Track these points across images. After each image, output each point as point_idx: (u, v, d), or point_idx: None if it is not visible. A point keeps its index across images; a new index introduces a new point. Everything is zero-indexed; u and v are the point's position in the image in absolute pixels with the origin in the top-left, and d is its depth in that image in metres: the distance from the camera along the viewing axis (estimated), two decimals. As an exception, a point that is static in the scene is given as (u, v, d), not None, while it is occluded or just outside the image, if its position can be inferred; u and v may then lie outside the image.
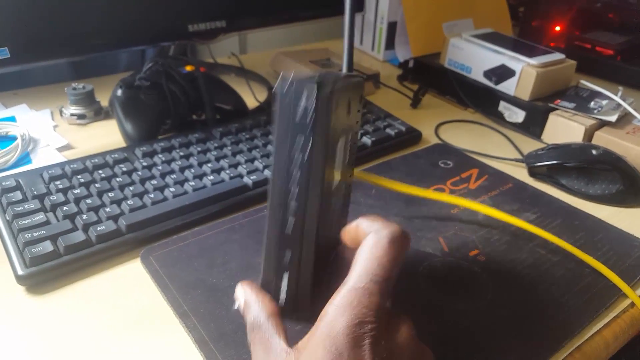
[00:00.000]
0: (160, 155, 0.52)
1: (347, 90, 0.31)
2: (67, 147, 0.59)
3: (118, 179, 0.48)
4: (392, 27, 0.89)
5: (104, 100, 0.66)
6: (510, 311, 0.38)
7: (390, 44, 0.91)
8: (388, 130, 0.62)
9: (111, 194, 0.46)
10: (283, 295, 0.32)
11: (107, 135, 0.61)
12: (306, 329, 0.27)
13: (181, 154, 0.53)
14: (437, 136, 0.65)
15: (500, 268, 0.42)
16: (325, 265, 0.37)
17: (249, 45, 1.03)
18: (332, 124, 0.28)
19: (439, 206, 0.50)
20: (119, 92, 0.57)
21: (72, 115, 0.64)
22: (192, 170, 0.50)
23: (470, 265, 0.42)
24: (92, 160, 0.50)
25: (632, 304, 0.40)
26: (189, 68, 0.61)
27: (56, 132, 0.62)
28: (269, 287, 0.32)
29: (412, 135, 0.63)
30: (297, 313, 0.33)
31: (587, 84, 0.67)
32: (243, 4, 0.64)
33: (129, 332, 0.36)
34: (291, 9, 0.69)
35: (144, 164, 0.51)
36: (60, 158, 0.56)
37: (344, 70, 0.35)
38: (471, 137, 0.65)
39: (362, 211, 0.49)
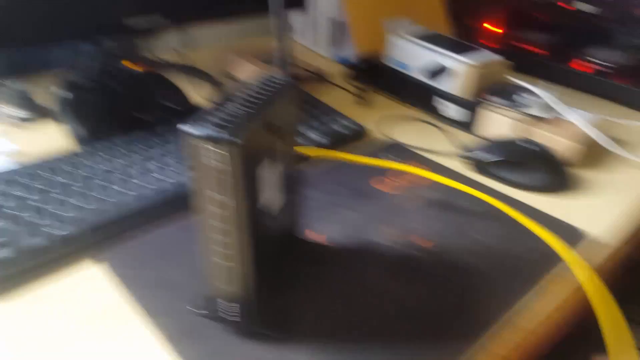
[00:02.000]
0: (105, 156, 0.51)
1: (264, 123, 0.31)
2: (4, 149, 0.56)
3: (67, 182, 0.47)
4: (337, 26, 0.91)
5: (40, 99, 0.64)
6: (452, 292, 0.41)
7: (336, 42, 0.93)
8: (334, 127, 0.64)
9: (61, 198, 0.45)
10: (227, 310, 0.34)
11: (49, 136, 0.59)
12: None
13: (128, 153, 0.52)
14: (381, 132, 0.68)
15: (443, 254, 0.45)
16: (278, 273, 0.38)
17: (193, 40, 1.02)
18: (247, 164, 0.29)
19: (387, 198, 0.52)
20: (60, 91, 0.55)
21: (8, 116, 0.61)
22: (140, 170, 0.50)
23: (416, 252, 0.45)
24: (37, 164, 0.49)
25: (562, 280, 0.44)
26: (132, 66, 0.60)
27: (-9, 133, 0.59)
28: (213, 305, 0.34)
29: (358, 131, 0.65)
30: (256, 326, 0.34)
31: (517, 80, 0.72)
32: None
33: (90, 334, 0.36)
34: (234, 5, 0.69)
35: (90, 165, 0.50)
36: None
37: (282, 74, 0.36)
38: (413, 132, 0.69)
39: (313, 205, 0.50)
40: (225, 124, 0.28)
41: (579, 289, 0.43)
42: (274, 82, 0.35)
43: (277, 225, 0.38)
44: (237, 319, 0.34)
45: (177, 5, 0.63)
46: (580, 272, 0.43)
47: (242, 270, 0.32)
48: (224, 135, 0.27)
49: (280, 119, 0.34)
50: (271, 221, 0.36)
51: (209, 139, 0.27)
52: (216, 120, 0.28)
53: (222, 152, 0.27)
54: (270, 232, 0.36)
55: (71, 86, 0.55)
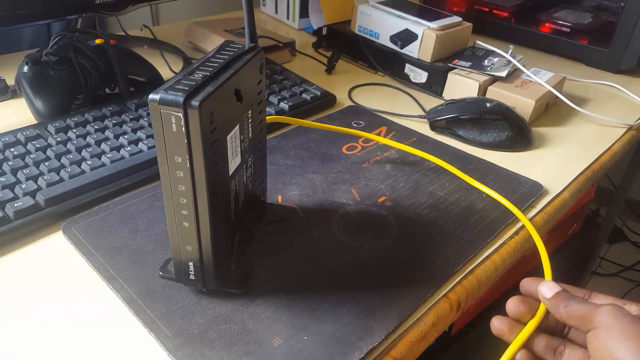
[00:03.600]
0: (74, 130, 0.52)
1: (228, 86, 0.32)
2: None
3: (32, 156, 0.48)
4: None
5: (9, 79, 0.64)
6: (413, 246, 0.43)
7: (304, 12, 0.93)
8: (304, 95, 0.65)
9: (26, 171, 0.46)
10: (192, 270, 0.35)
11: (16, 114, 0.59)
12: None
13: (96, 127, 0.53)
14: (350, 99, 0.69)
15: (404, 210, 0.47)
16: (245, 235, 0.40)
17: (162, 16, 1.01)
18: (207, 127, 0.30)
19: (351, 162, 0.54)
20: (25, 68, 0.55)
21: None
22: (109, 143, 0.51)
23: (378, 209, 0.47)
24: (3, 139, 0.49)
25: (517, 232, 0.46)
26: (98, 41, 0.60)
27: (-42, 114, 0.59)
28: (179, 266, 0.35)
29: (327, 99, 0.66)
30: (216, 284, 0.36)
31: (482, 44, 0.73)
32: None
33: (58, 301, 0.37)
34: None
35: (58, 139, 0.50)
36: (-35, 140, 0.54)
37: (247, 41, 0.37)
38: (381, 98, 0.70)
39: (281, 171, 0.52)
40: (185, 88, 0.29)
41: (529, 240, 0.46)
42: (238, 49, 0.35)
43: (245, 190, 0.39)
44: (197, 278, 0.35)
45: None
46: (529, 226, 0.46)
47: (200, 230, 0.33)
48: (180, 98, 0.28)
49: (246, 84, 0.35)
50: (239, 186, 0.37)
51: (167, 103, 0.28)
52: (178, 86, 0.29)
53: (179, 115, 0.29)
54: (238, 196, 0.37)
55: (34, 62, 0.55)
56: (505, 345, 0.37)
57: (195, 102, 0.28)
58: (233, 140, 0.34)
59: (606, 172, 0.60)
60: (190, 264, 0.35)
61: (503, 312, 0.40)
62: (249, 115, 0.37)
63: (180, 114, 0.28)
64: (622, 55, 0.78)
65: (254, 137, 0.38)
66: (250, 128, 0.37)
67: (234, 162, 0.35)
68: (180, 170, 0.31)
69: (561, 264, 0.99)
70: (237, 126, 0.34)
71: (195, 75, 0.31)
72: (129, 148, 0.50)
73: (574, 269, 1.12)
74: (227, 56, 0.34)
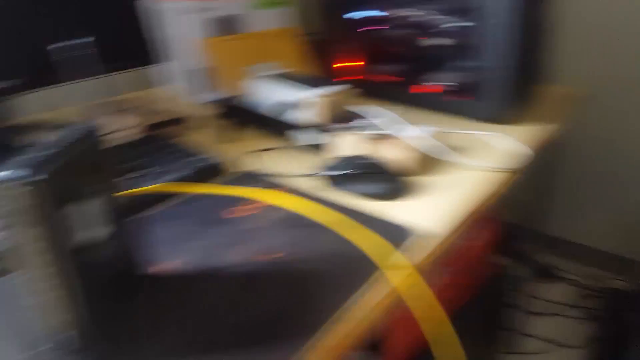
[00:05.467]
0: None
1: (65, 164, 0.33)
2: None
3: None
4: (201, 73, 0.96)
5: None
6: (292, 297, 0.44)
7: (201, 87, 0.98)
8: (198, 165, 0.67)
9: None
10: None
11: None
12: None
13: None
14: (241, 164, 0.72)
15: (285, 264, 0.49)
16: (118, 303, 0.39)
17: (60, 99, 1.02)
18: (48, 201, 0.31)
19: (236, 224, 0.55)
20: None
21: None
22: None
23: (266, 266, 0.49)
24: None
25: (386, 279, 0.48)
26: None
27: None
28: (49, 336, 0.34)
29: (216, 167, 0.69)
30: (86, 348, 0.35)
31: (362, 107, 0.79)
32: (39, 62, 0.64)
33: None
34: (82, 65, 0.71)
35: None
36: None
37: (94, 122, 0.39)
38: (272, 160, 0.73)
39: (163, 239, 0.52)
40: (32, 163, 0.30)
41: (394, 291, 0.48)
42: (79, 130, 0.37)
43: (107, 257, 0.39)
44: (67, 351, 0.35)
45: (38, 70, 0.64)
46: (395, 276, 0.48)
47: (62, 302, 0.33)
48: (25, 172, 0.29)
49: (86, 160, 0.36)
50: (95, 254, 0.37)
51: (11, 179, 0.29)
52: (24, 162, 0.30)
53: (26, 190, 0.29)
54: (98, 264, 0.37)
55: None
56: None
57: (40, 176, 0.29)
58: (81, 211, 0.35)
59: (510, 212, 0.64)
60: (60, 334, 0.34)
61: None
62: (98, 187, 0.37)
63: (27, 189, 0.29)
64: (490, 106, 0.87)
65: (108, 207, 0.39)
66: (103, 198, 0.38)
67: (86, 232, 0.35)
68: (29, 243, 0.31)
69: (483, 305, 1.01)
70: (86, 197, 0.35)
71: (37, 154, 0.32)
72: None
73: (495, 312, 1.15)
74: (68, 137, 0.35)
